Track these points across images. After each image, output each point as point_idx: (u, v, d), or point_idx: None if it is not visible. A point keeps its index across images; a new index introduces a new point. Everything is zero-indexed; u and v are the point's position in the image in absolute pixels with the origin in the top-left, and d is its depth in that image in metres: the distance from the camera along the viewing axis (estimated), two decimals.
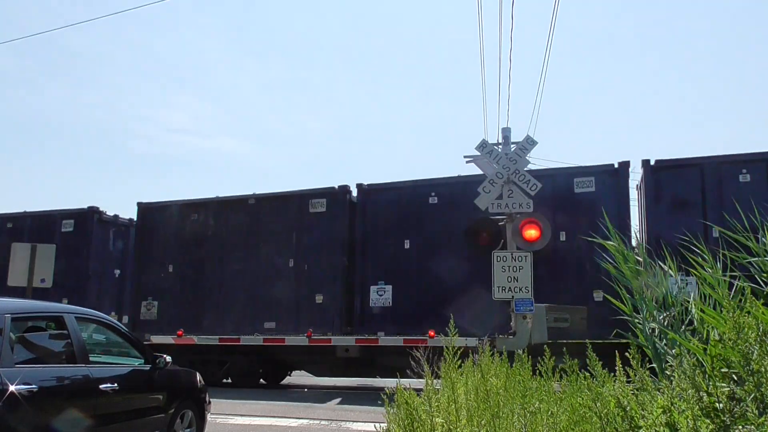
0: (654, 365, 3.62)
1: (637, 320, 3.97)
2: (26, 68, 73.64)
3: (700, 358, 2.52)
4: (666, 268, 3.96)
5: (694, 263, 3.78)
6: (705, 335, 2.86)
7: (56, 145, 71.02)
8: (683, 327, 3.61)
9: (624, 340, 3.90)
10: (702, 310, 2.98)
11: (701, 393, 2.22)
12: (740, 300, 2.84)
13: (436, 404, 3.21)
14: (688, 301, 3.82)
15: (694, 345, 2.79)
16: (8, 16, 77.15)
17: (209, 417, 6.41)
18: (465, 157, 10.83)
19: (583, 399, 2.81)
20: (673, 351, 3.41)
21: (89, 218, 15.76)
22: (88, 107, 71.38)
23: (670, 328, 3.72)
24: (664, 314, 3.79)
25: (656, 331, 3.81)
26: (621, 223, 10.37)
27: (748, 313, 2.32)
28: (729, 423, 2.03)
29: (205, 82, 75.11)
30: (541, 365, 3.82)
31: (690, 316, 3.79)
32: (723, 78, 74.53)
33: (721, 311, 2.74)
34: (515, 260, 9.34)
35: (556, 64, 74.73)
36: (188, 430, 5.88)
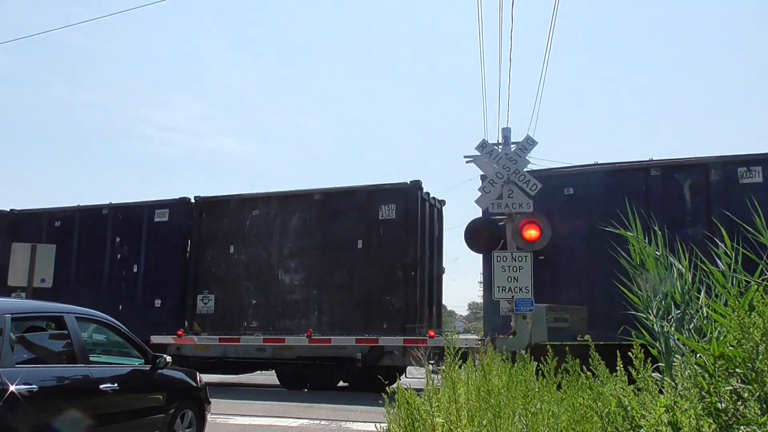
0: (659, 364, 3.59)
1: (647, 317, 3.94)
2: (27, 68, 73.70)
3: (704, 357, 2.51)
4: (680, 266, 3.90)
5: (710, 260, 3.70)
6: (710, 334, 2.85)
7: (56, 144, 71.07)
8: (691, 324, 3.58)
9: (627, 339, 3.88)
10: (711, 308, 2.96)
11: (704, 392, 2.21)
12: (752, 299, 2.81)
13: (437, 404, 3.20)
14: (698, 298, 3.79)
15: (698, 344, 2.78)
16: (8, 16, 77.23)
17: (209, 417, 6.40)
18: (465, 157, 10.80)
19: (584, 399, 2.80)
20: (683, 350, 3.38)
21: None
22: (88, 107, 71.40)
23: (679, 326, 3.69)
24: (677, 312, 3.76)
25: (665, 328, 3.78)
26: None
27: (751, 310, 2.31)
28: (732, 422, 2.02)
29: (205, 82, 75.22)
30: (543, 365, 3.80)
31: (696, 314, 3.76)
32: (724, 78, 74.64)
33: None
34: (515, 260, 9.34)
35: (556, 64, 74.88)
36: (188, 430, 5.87)
